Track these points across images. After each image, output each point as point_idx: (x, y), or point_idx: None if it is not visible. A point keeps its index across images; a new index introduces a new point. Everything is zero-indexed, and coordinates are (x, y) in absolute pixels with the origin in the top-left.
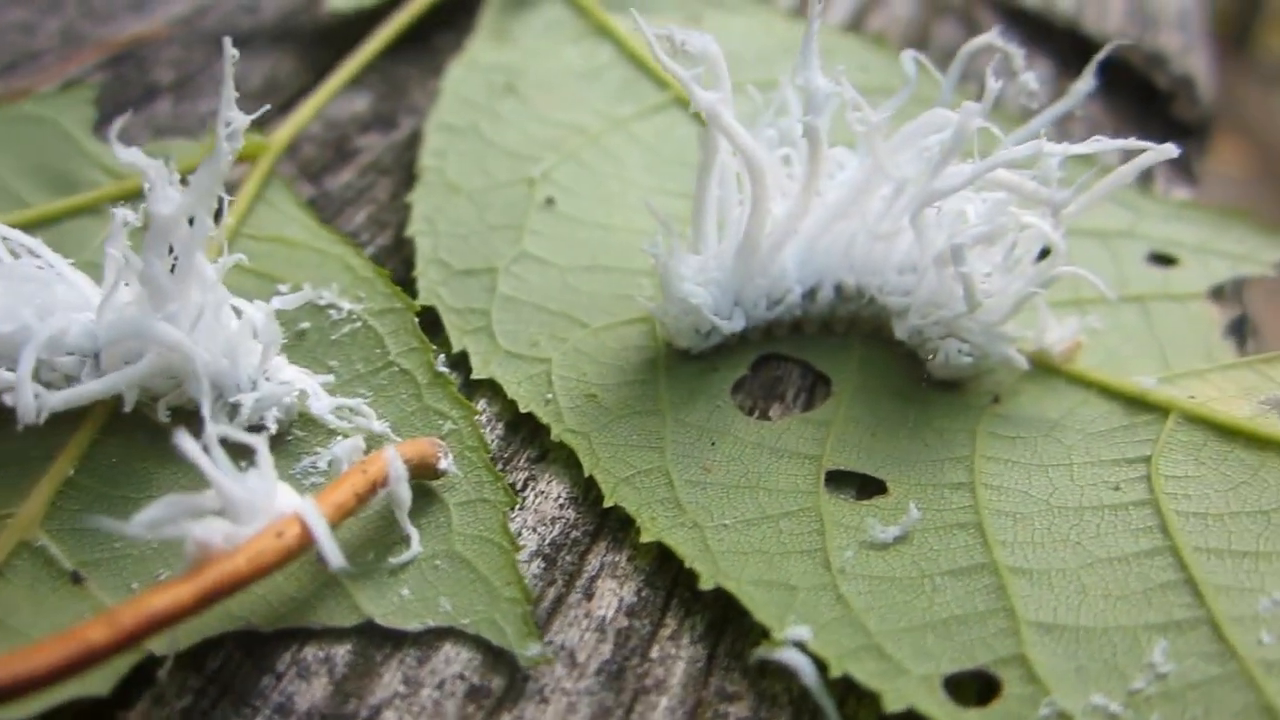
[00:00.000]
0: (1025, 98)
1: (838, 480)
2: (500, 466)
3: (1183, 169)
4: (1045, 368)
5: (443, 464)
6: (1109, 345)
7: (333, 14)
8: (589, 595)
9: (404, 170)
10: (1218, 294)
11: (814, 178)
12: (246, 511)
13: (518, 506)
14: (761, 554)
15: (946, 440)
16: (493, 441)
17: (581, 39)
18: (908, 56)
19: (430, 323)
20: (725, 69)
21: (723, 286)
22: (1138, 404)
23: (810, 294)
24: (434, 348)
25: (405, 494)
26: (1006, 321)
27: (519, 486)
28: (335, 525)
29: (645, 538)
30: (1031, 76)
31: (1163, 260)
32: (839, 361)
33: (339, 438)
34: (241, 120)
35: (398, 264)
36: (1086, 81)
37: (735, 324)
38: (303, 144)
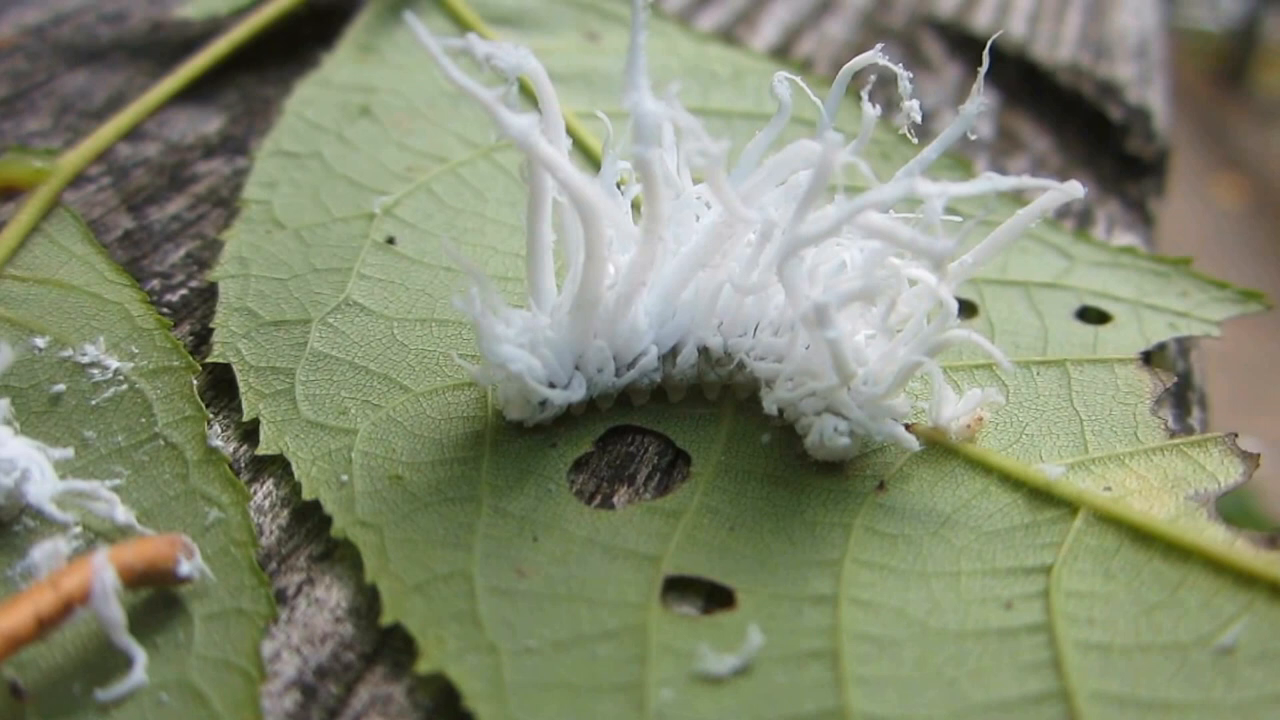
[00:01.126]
0: (908, 128)
1: (680, 589)
2: (274, 566)
3: (1137, 208)
4: (942, 448)
5: (183, 568)
6: (1020, 421)
7: (185, 20)
8: None
9: None
10: (1155, 358)
11: (654, 221)
12: None
13: (284, 619)
14: (566, 689)
15: (817, 537)
16: (272, 533)
17: (459, 56)
18: (779, 78)
19: (230, 384)
20: (550, 88)
21: (558, 348)
22: (1043, 497)
23: (670, 356)
24: (210, 417)
25: (113, 614)
26: (894, 394)
27: (290, 593)
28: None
29: (424, 666)
30: (915, 105)
31: (1094, 316)
32: (704, 436)
33: (75, 529)
34: None
35: (206, 312)
36: (975, 102)
37: (574, 393)
38: (134, 169)
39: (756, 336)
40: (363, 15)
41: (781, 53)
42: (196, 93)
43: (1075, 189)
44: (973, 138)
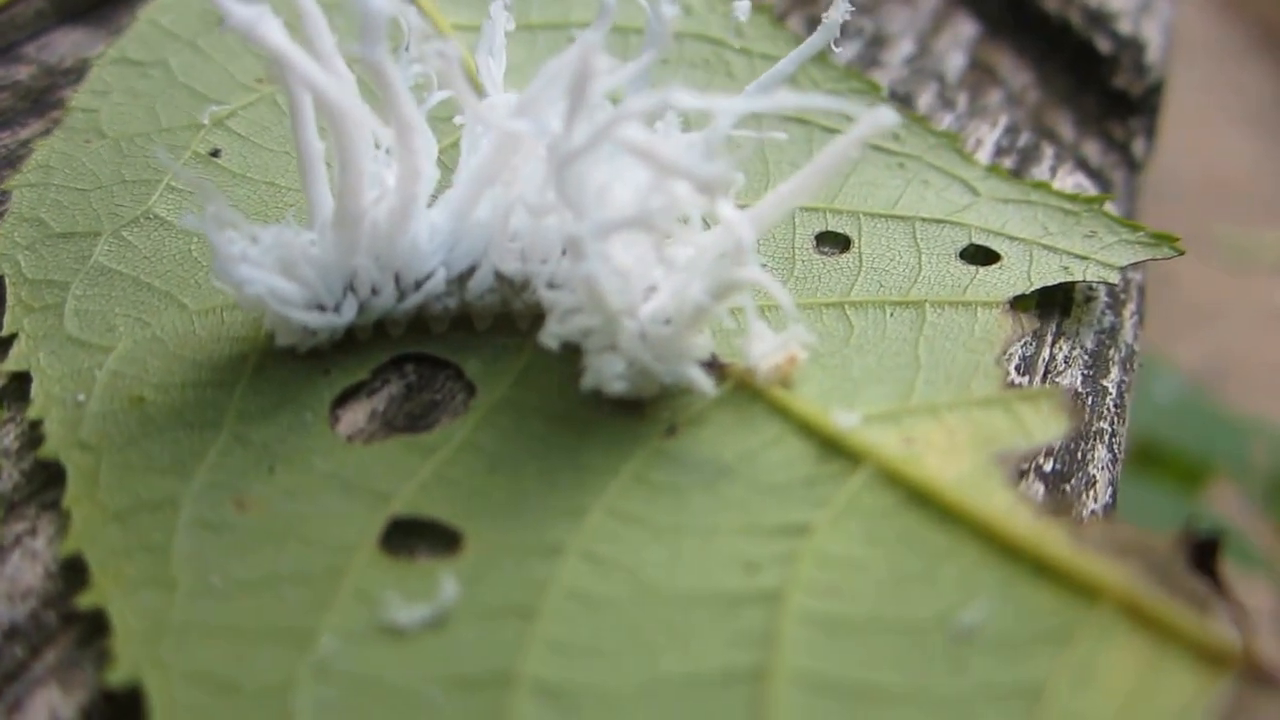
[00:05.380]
0: (731, 33)
1: (411, 533)
2: (14, 501)
3: (1119, 150)
4: (751, 391)
5: None
6: (849, 365)
7: None
8: (12, 710)
9: None
10: (1078, 309)
11: (402, 130)
12: None
13: None
14: (233, 633)
15: (582, 483)
16: (10, 478)
17: None
18: None
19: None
20: None
21: (324, 267)
22: (831, 449)
23: (464, 280)
24: None
25: None
26: (686, 335)
27: (7, 544)
28: None
29: (86, 600)
30: (744, 5)
31: (981, 257)
32: (499, 368)
33: None
34: None
35: None
36: (839, 8)
37: (342, 316)
38: None
39: (559, 262)
40: None
41: None
42: (92, 16)
43: (885, 117)
44: (837, 50)
